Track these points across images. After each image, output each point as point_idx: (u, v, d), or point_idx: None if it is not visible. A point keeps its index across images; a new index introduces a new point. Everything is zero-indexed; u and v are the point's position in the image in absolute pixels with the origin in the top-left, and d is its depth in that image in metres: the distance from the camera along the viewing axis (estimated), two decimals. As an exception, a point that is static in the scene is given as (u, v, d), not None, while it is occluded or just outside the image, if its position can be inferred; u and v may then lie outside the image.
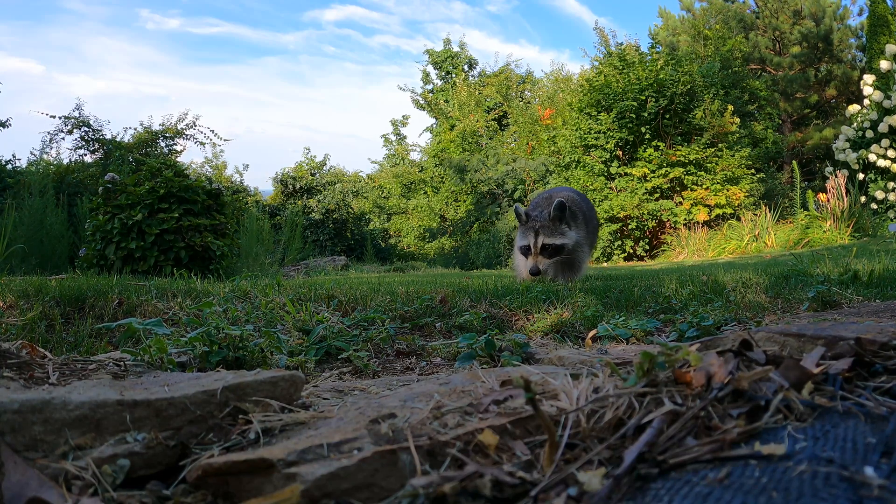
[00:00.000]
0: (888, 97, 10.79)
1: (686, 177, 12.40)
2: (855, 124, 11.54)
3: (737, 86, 16.16)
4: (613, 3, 52.55)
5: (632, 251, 12.68)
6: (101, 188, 5.77)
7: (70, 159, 11.60)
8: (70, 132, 11.75)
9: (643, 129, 12.69)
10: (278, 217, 15.57)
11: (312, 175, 18.99)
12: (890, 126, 10.68)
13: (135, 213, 5.36)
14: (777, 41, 19.74)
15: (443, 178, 18.94)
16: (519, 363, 1.69)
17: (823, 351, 0.90)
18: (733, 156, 12.69)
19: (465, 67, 22.66)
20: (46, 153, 11.76)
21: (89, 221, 5.73)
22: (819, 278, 2.97)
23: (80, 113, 11.75)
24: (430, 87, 22.78)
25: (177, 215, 5.46)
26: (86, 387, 0.89)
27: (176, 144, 13.20)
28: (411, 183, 20.27)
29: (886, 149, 10.73)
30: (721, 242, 10.60)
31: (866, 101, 11.40)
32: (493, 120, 20.51)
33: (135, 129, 12.69)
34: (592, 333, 2.13)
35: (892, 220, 10.13)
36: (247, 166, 21.81)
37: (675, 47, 17.77)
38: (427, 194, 19.54)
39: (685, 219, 12.05)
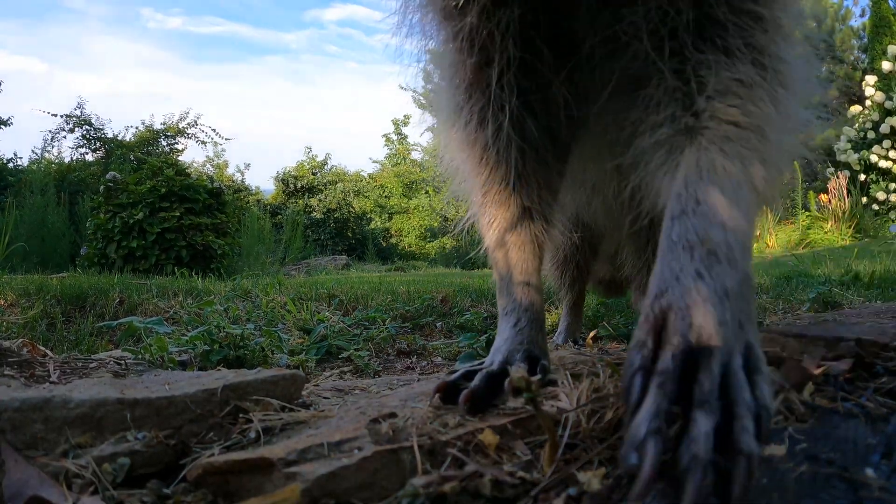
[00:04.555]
0: (890, 98, 10.77)
1: (687, 177, 12.35)
2: (856, 125, 11.52)
3: (738, 86, 16.09)
4: (615, 3, 52.38)
5: (633, 251, 12.62)
6: (102, 187, 5.78)
7: (71, 158, 11.59)
8: (71, 131, 11.73)
9: (644, 129, 12.65)
10: (279, 216, 15.53)
11: (314, 174, 18.97)
12: (892, 127, 10.66)
13: (136, 212, 5.36)
14: (779, 42, 19.69)
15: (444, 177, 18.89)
16: (519, 363, 1.69)
17: (824, 352, 0.90)
18: (735, 156, 12.64)
19: (467, 67, 22.64)
20: (48, 152, 11.76)
21: (90, 220, 5.74)
22: (820, 279, 2.97)
23: (81, 112, 11.73)
24: (430, 86, 22.76)
25: (178, 214, 5.47)
26: (86, 385, 0.89)
27: (177, 143, 13.17)
28: (412, 182, 20.25)
29: (888, 150, 10.71)
30: (722, 243, 10.55)
31: (868, 102, 11.38)
32: (494, 119, 20.49)
33: (136, 127, 12.68)
34: (593, 334, 2.12)
35: (893, 221, 10.10)
36: (248, 165, 21.68)
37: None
38: (428, 194, 19.52)
39: (686, 219, 12.00)
